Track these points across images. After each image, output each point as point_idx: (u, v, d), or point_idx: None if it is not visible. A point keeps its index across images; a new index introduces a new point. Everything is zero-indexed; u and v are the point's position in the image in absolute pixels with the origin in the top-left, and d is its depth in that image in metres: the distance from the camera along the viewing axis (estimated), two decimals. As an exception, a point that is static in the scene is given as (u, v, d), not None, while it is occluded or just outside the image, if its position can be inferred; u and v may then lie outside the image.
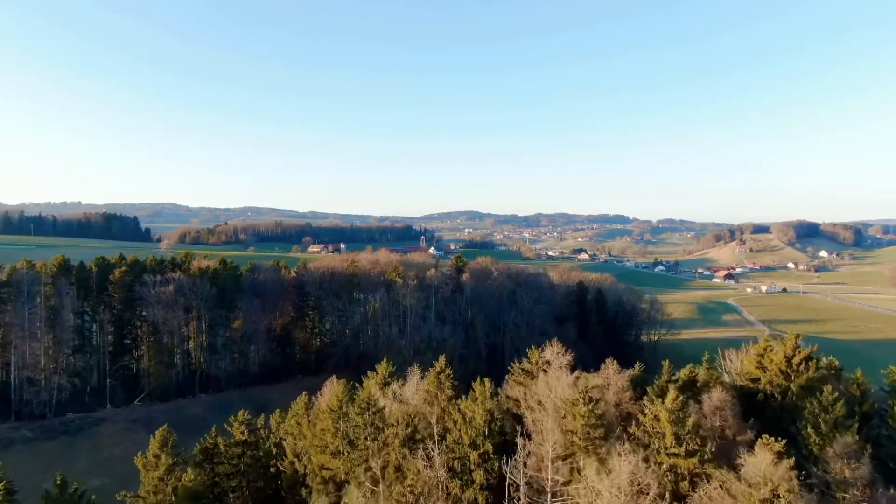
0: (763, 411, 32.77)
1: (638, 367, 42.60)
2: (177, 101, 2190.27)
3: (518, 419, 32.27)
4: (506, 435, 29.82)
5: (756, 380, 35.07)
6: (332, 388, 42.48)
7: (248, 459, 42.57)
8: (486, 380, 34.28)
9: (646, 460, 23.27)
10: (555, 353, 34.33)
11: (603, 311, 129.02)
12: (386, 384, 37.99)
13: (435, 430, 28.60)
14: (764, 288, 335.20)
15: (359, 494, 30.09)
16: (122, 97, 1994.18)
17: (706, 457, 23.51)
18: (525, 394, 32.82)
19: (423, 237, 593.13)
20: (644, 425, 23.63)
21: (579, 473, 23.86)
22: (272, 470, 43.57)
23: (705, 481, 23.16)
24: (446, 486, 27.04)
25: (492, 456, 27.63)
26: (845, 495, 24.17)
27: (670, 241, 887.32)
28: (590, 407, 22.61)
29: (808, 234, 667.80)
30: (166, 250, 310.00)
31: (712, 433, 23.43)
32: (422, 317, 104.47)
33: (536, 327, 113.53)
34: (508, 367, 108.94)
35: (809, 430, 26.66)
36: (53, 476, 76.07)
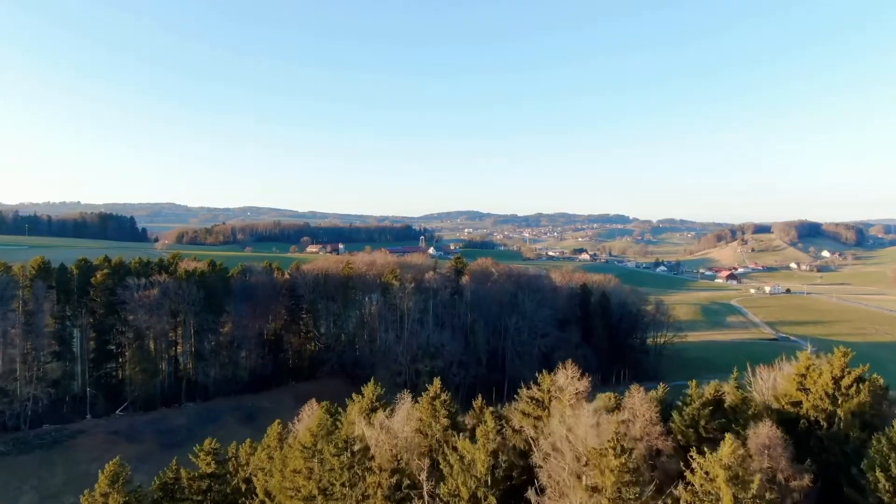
0: (807, 442, 28.47)
1: (661, 389, 38.12)
2: (176, 100, 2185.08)
3: (525, 456, 27.75)
4: (512, 479, 25.40)
5: (797, 404, 30.74)
6: (312, 414, 37.75)
7: (214, 496, 37.77)
8: (488, 411, 29.31)
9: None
10: (569, 378, 29.84)
11: (607, 315, 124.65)
12: (373, 409, 33.38)
13: (426, 481, 24.08)
14: (767, 289, 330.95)
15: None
16: (122, 97, 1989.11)
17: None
18: (536, 429, 28.32)
19: (422, 237, 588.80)
20: (692, 485, 19.28)
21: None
22: (241, 511, 38.61)
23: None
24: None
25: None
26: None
27: (671, 241, 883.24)
28: (622, 459, 18.31)
29: (809, 233, 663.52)
30: (161, 251, 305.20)
31: (762, 478, 19.19)
32: (419, 321, 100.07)
33: (539, 331, 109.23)
34: (510, 374, 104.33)
35: (878, 473, 22.35)
36: (27, 493, 71.98)
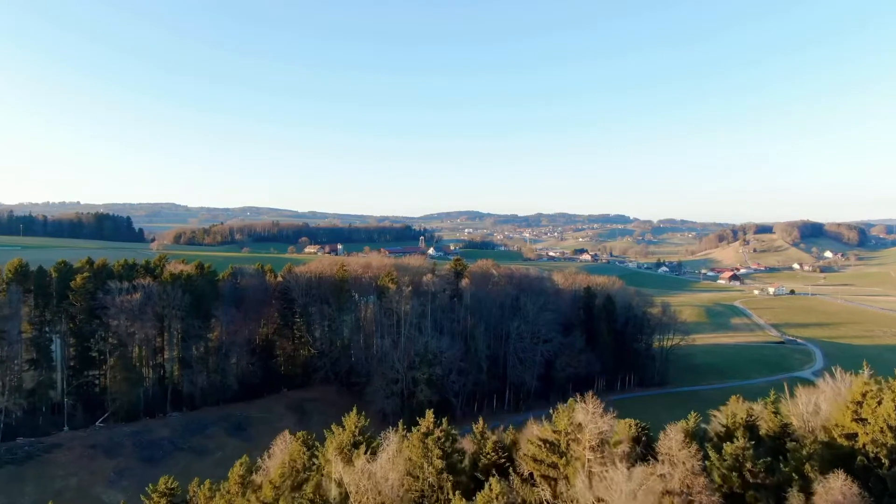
0: (865, 482, 24.14)
1: (693, 418, 33.49)
2: (175, 100, 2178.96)
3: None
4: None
5: (851, 436, 26.40)
6: (285, 448, 33.17)
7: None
8: (495, 483, 22.79)
9: None
10: (590, 415, 25.27)
11: (612, 318, 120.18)
12: (355, 445, 28.75)
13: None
14: (771, 290, 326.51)
15: None
16: (121, 97, 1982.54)
17: None
18: (552, 486, 23.79)
19: (422, 237, 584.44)
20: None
21: None
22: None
23: None
24: None
25: None
26: None
27: (672, 241, 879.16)
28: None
29: (811, 234, 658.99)
30: (156, 251, 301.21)
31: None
32: (417, 326, 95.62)
33: (541, 336, 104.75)
34: (511, 380, 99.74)
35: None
36: (-4, 512, 67.46)
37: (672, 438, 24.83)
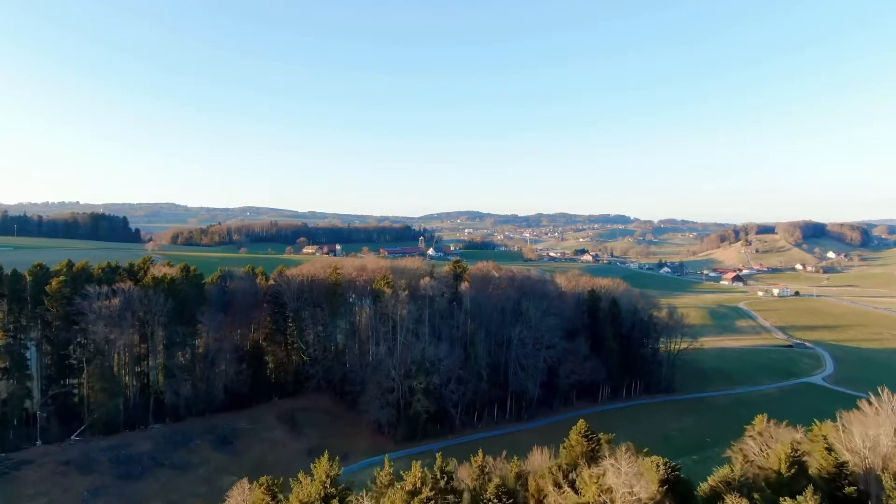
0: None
1: (739, 463, 28.65)
2: (175, 100, 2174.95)
3: None
4: None
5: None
6: (245, 499, 28.37)
7: None
8: None
9: None
10: (623, 475, 20.53)
11: (617, 323, 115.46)
12: (325, 501, 23.76)
13: None
14: (776, 291, 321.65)
15: None
16: (121, 97, 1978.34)
17: None
18: None
19: (422, 238, 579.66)
20: None
21: None
22: None
23: None
24: None
25: None
26: None
27: (673, 241, 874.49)
28: None
29: (814, 234, 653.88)
30: (151, 252, 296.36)
31: None
32: (414, 332, 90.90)
33: (544, 342, 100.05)
34: (513, 388, 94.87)
35: None
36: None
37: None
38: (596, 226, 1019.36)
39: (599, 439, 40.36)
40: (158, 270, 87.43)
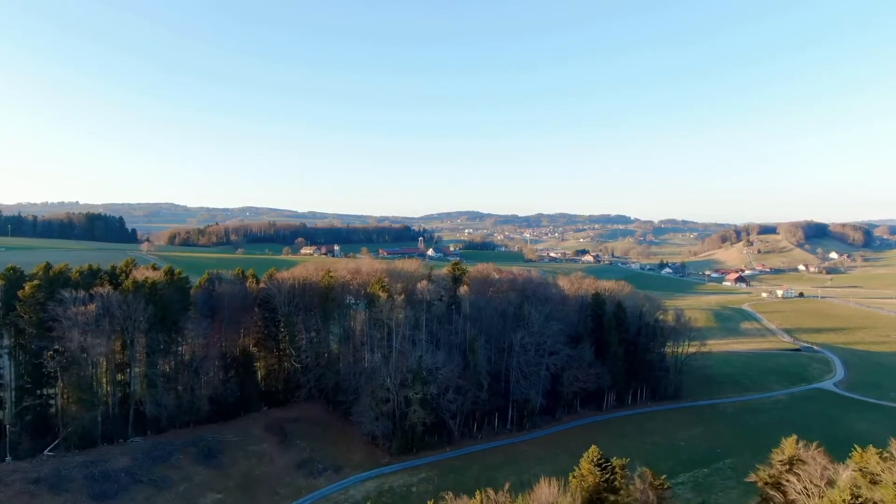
0: None
1: None
2: (175, 100, 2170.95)
3: None
4: None
5: None
6: None
7: None
8: None
9: None
10: None
11: (623, 328, 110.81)
12: None
13: None
14: (780, 293, 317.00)
15: None
16: (121, 97, 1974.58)
17: None
18: None
19: (421, 238, 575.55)
20: None
21: None
22: None
23: None
24: None
25: None
26: None
27: (673, 241, 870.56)
28: None
29: (816, 234, 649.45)
30: (145, 253, 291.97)
31: None
32: (410, 339, 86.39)
33: (547, 348, 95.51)
34: (514, 397, 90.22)
35: None
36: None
37: None
38: (596, 226, 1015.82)
39: (613, 468, 35.81)
40: (141, 274, 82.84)
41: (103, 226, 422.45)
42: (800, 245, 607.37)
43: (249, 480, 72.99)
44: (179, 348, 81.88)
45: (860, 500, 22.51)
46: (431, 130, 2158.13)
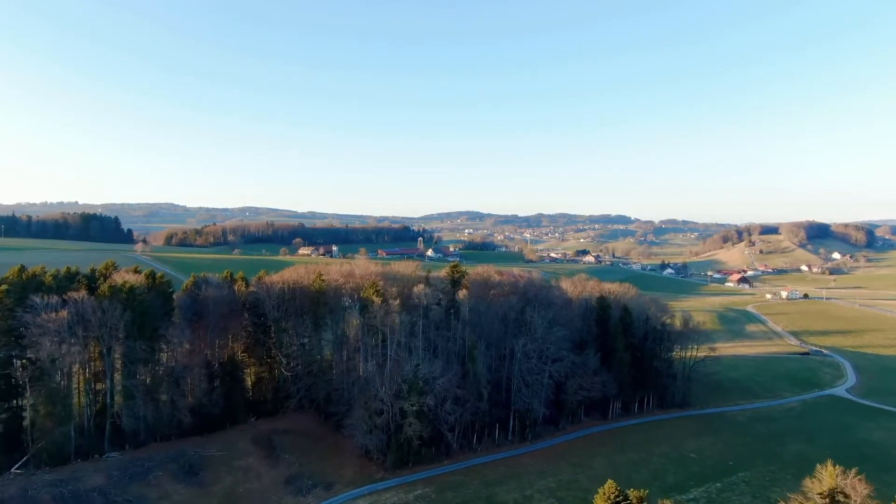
0: None
1: None
2: (175, 100, 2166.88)
3: None
4: None
5: None
6: None
7: None
8: None
9: None
10: None
11: (629, 333, 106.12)
12: None
13: None
14: (784, 294, 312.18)
15: None
16: (121, 97, 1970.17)
17: None
18: None
19: (420, 238, 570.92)
20: None
21: None
22: None
23: None
24: None
25: None
26: None
27: (674, 241, 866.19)
28: None
29: (818, 234, 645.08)
30: (139, 253, 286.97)
31: None
32: (406, 346, 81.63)
33: (550, 355, 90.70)
34: (516, 407, 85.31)
35: None
36: None
37: None
38: (597, 226, 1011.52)
39: (631, 502, 31.07)
40: (121, 277, 78.01)
41: (98, 226, 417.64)
42: (802, 245, 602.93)
43: (233, 498, 68.21)
44: (160, 357, 77.06)
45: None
46: (431, 130, 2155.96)
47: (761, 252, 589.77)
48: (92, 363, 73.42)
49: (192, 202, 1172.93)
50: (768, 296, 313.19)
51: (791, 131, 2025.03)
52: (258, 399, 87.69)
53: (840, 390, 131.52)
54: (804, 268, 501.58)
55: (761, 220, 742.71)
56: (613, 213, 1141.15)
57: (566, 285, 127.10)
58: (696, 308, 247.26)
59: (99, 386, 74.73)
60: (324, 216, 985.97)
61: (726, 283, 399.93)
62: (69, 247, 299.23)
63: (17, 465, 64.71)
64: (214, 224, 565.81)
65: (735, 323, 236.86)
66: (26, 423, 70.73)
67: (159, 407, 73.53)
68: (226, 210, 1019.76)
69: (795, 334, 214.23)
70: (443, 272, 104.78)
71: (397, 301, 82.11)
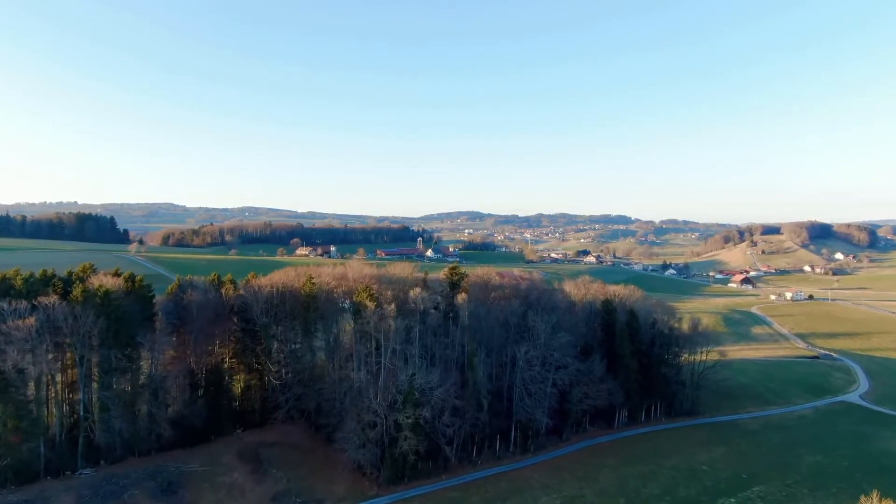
0: None
1: None
2: (175, 100, 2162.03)
3: None
4: None
5: None
6: None
7: None
8: None
9: None
10: None
11: (636, 338, 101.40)
12: None
13: None
14: (789, 295, 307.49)
15: None
16: (121, 97, 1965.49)
17: None
18: None
19: (420, 239, 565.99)
20: None
21: None
22: None
23: None
24: None
25: None
26: None
27: (675, 241, 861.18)
28: None
29: (820, 235, 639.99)
30: (133, 254, 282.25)
31: None
32: (402, 353, 76.80)
33: (554, 362, 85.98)
34: (518, 417, 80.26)
35: None
36: None
37: None
38: (597, 226, 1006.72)
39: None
40: (98, 280, 73.22)
41: (94, 226, 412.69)
42: (804, 246, 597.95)
43: (215, 519, 63.57)
44: (138, 366, 72.22)
45: None
46: (431, 130, 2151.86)
47: (763, 252, 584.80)
48: (66, 373, 68.68)
49: (191, 202, 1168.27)
50: (773, 297, 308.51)
51: (791, 131, 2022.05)
52: (245, 409, 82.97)
53: (853, 396, 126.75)
54: (807, 268, 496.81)
55: (762, 220, 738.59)
56: (614, 213, 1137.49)
57: (569, 288, 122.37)
58: (700, 310, 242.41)
59: (74, 397, 69.93)
60: (323, 216, 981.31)
61: (729, 284, 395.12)
62: (62, 247, 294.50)
63: (-21, 485, 59.97)
64: (212, 224, 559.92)
65: (740, 325, 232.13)
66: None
67: (137, 419, 68.77)
68: (225, 210, 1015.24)
69: (802, 337, 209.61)
70: (441, 274, 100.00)
71: (392, 305, 77.28)
